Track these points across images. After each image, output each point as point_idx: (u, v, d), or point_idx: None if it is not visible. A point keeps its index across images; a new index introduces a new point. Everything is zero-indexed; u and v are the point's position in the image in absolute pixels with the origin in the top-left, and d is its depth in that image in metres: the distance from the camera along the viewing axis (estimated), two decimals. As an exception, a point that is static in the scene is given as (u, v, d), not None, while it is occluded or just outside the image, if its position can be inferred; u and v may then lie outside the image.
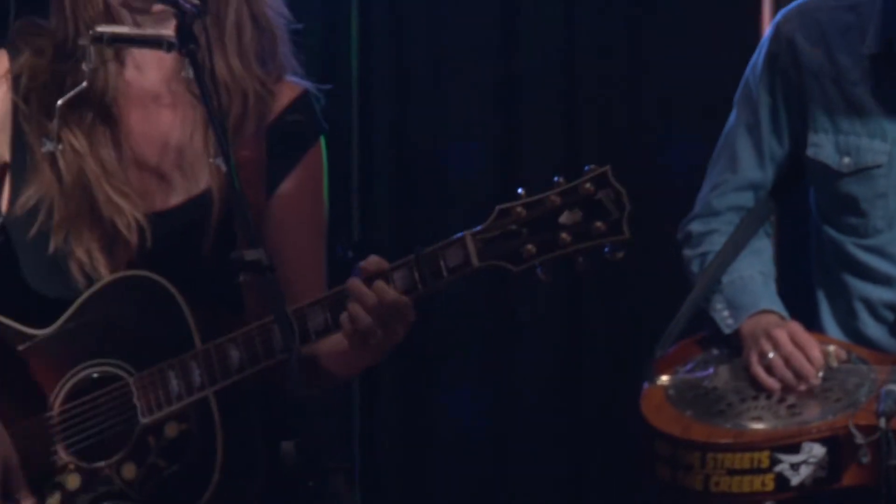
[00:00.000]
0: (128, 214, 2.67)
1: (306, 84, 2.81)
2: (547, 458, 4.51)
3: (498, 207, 2.52)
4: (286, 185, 2.76)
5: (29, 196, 2.68)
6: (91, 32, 2.62)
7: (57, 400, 2.63)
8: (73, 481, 2.63)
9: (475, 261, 2.49)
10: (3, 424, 2.64)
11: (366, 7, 4.48)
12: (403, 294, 2.52)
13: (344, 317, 2.51)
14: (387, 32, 4.52)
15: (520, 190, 2.53)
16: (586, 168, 2.50)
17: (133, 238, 2.66)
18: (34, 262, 2.72)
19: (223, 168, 2.67)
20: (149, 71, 2.73)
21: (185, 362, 2.58)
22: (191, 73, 2.57)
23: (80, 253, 2.66)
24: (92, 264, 2.66)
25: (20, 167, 2.71)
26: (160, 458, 2.62)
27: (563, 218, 2.50)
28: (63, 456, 2.64)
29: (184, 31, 2.48)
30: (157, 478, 2.62)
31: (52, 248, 2.66)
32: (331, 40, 4.49)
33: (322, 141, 2.83)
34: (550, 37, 4.47)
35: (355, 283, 2.50)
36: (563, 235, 2.48)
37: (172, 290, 2.60)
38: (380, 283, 2.52)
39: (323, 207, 2.84)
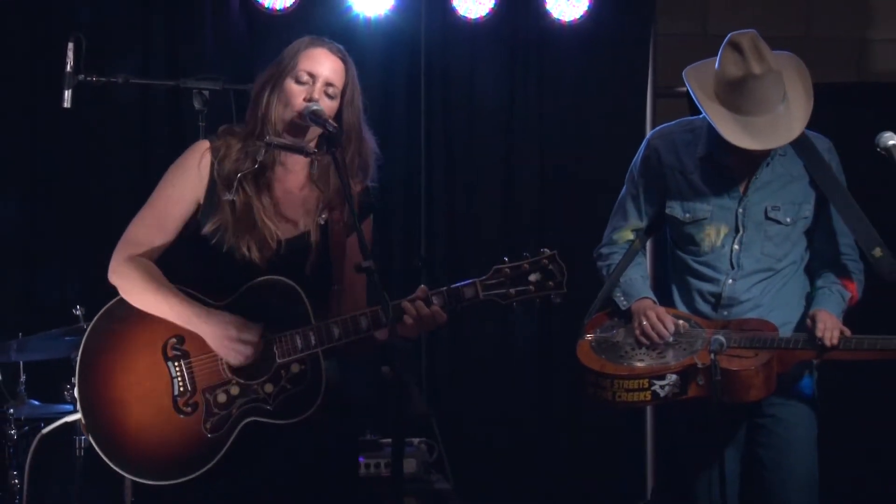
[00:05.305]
0: (273, 231, 3.17)
1: (369, 183, 3.30)
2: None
3: (494, 267, 3.08)
4: (353, 236, 3.23)
5: (212, 223, 3.17)
6: (266, 139, 3.17)
7: None
8: (234, 390, 3.11)
9: (481, 295, 3.07)
10: (193, 355, 3.09)
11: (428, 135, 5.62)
12: (441, 309, 3.04)
13: (404, 318, 3.07)
14: (443, 156, 5.63)
15: (505, 258, 3.07)
16: (543, 250, 3.08)
17: (273, 246, 3.15)
18: (214, 259, 3.17)
19: (321, 222, 3.19)
20: (294, 162, 3.28)
21: (305, 331, 3.09)
22: (316, 168, 3.17)
23: (243, 248, 3.15)
24: (249, 256, 3.14)
25: (208, 207, 3.18)
26: (287, 383, 3.09)
27: (531, 277, 3.06)
28: (230, 374, 3.11)
29: (329, 141, 3.04)
30: (285, 394, 3.09)
31: (225, 247, 3.15)
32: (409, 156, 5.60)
33: (372, 215, 3.34)
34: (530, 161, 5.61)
35: (405, 302, 3.05)
36: (531, 287, 3.06)
37: (298, 289, 3.11)
38: (419, 304, 3.03)
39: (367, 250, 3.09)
